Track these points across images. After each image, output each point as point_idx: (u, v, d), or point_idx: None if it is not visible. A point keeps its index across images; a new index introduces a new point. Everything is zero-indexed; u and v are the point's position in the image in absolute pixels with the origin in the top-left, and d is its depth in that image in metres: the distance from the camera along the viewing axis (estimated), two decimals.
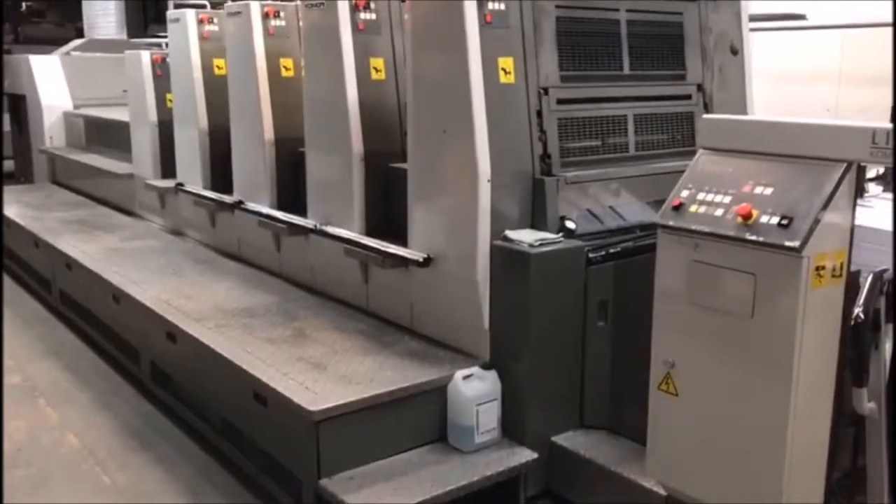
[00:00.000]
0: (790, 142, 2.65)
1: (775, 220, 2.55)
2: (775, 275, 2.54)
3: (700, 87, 4.29)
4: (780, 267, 2.52)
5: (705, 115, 2.95)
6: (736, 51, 4.45)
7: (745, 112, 4.49)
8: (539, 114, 3.67)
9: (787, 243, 2.48)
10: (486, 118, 3.48)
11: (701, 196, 2.77)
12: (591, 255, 3.56)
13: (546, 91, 3.69)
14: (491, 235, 3.55)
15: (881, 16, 5.41)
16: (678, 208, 2.80)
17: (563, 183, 3.67)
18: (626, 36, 3.97)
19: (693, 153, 4.22)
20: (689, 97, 4.26)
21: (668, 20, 4.16)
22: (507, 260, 3.51)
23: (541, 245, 3.45)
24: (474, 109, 3.45)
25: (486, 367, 3.57)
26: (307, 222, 4.65)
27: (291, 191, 5.06)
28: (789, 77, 5.86)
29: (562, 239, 3.53)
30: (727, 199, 2.70)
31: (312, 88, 4.56)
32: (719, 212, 2.69)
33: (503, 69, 3.55)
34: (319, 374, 3.54)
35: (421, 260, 3.78)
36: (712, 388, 2.74)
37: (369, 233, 4.34)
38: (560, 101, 3.74)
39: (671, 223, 2.80)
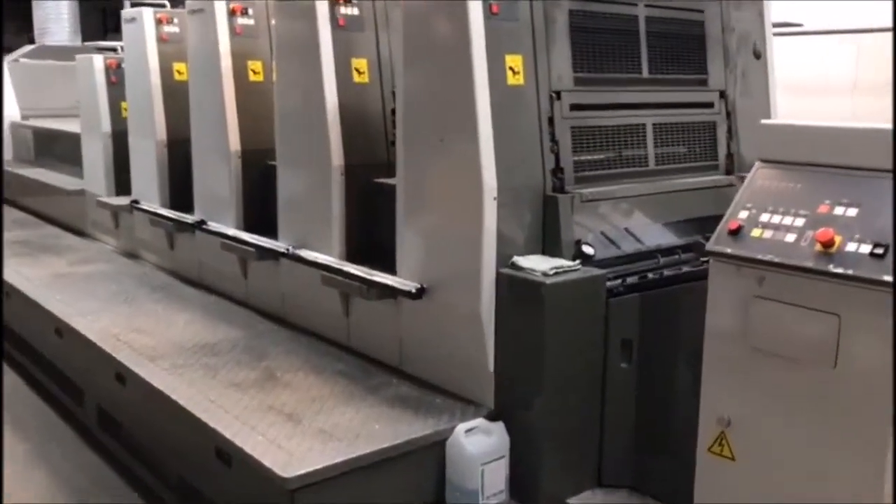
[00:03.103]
0: (877, 152, 2.17)
1: (866, 248, 2.07)
2: (866, 315, 2.05)
3: (722, 94, 3.83)
4: (872, 306, 2.04)
5: (763, 121, 2.47)
6: (759, 54, 4.00)
7: None
8: (551, 121, 3.18)
9: (885, 277, 2.00)
10: (492, 125, 2.98)
11: (764, 218, 2.29)
12: (611, 284, 3.07)
13: (558, 95, 3.20)
14: (497, 262, 3.04)
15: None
16: (736, 233, 2.31)
17: (578, 201, 3.18)
18: (645, 34, 3.50)
19: (714, 167, 3.86)
20: (711, 105, 3.80)
21: (688, 18, 3.70)
22: (516, 291, 3.00)
23: (556, 274, 2.94)
24: (479, 115, 2.95)
25: (491, 417, 3.05)
26: (278, 245, 4.12)
27: (260, 209, 4.55)
28: (796, 87, 5.46)
29: (579, 266, 3.03)
30: (800, 222, 2.22)
31: (285, 93, 4.06)
32: (790, 237, 2.21)
33: (511, 68, 3.05)
34: (294, 427, 2.99)
35: (413, 291, 3.26)
36: (781, 452, 2.25)
37: (350, 257, 3.82)
38: (574, 107, 3.26)
39: (728, 251, 2.30)
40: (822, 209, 2.20)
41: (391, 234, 3.47)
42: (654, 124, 3.55)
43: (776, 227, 2.24)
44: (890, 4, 5.06)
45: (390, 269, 3.48)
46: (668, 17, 3.59)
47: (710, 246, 2.35)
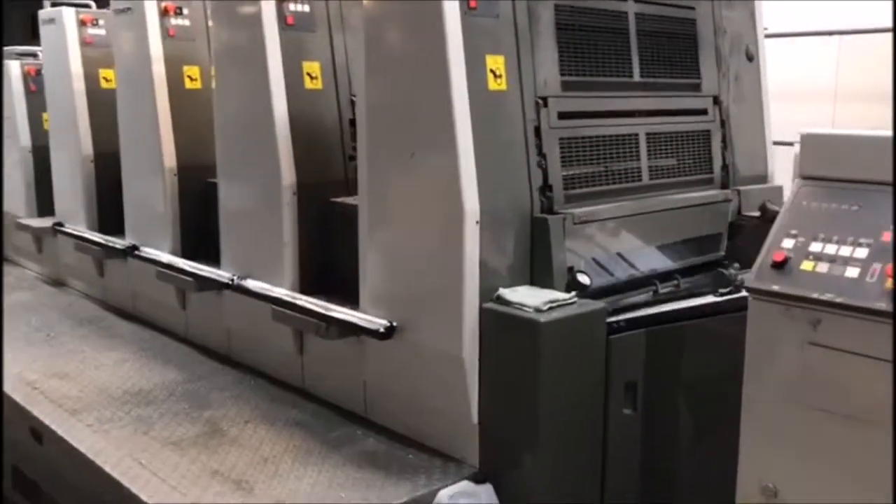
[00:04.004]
0: None
1: None
2: None
3: (716, 100, 3.47)
4: None
5: (806, 131, 2.08)
6: (752, 56, 3.67)
7: (762, 130, 3.71)
8: (537, 131, 2.77)
9: None
10: (472, 137, 2.55)
11: (816, 247, 1.91)
12: (611, 319, 2.67)
13: (545, 101, 2.79)
14: (480, 295, 2.61)
15: (882, 20, 4.75)
16: (781, 265, 1.92)
17: (570, 223, 2.77)
18: (636, 34, 3.12)
19: (709, 181, 3.49)
20: (704, 111, 3.44)
21: (679, 16, 3.33)
22: (503, 329, 2.57)
23: (550, 309, 2.52)
24: (457, 124, 2.53)
25: (477, 478, 2.61)
26: (221, 274, 3.64)
27: (200, 233, 4.07)
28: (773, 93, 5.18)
29: (575, 299, 2.61)
30: (862, 253, 1.84)
31: (227, 102, 3.60)
32: (852, 271, 1.83)
33: (492, 71, 2.63)
34: (243, 498, 2.52)
35: (381, 329, 2.80)
36: None
37: (304, 289, 3.36)
38: (562, 115, 2.85)
39: (774, 288, 1.91)
40: (888, 237, 1.82)
41: (352, 261, 3.02)
42: (647, 134, 3.17)
43: (832, 259, 1.86)
44: (872, 4, 4.81)
45: (352, 300, 3.03)
46: (658, 15, 3.23)
47: (751, 282, 1.95)
